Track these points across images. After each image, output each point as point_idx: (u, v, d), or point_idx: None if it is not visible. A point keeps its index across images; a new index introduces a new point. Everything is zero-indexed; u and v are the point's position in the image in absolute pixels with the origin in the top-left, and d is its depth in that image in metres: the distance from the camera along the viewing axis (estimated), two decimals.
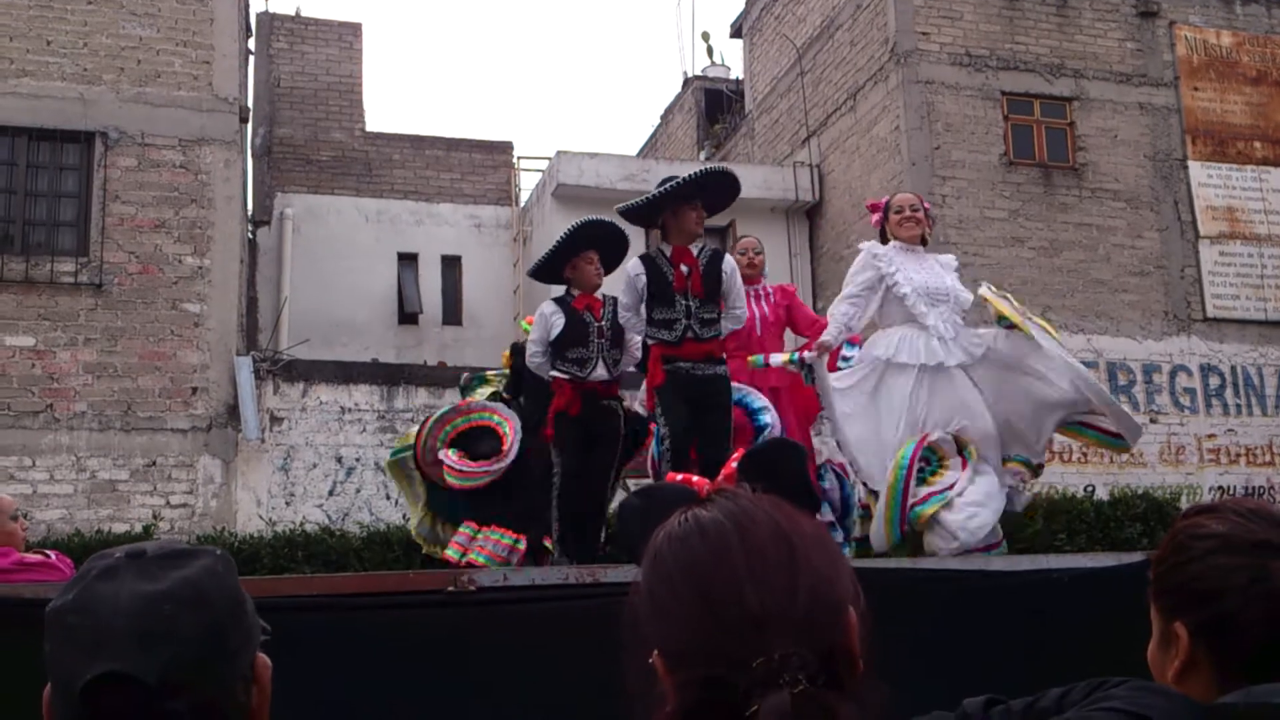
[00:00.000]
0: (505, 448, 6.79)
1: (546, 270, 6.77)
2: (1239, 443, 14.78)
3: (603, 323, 6.50)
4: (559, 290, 6.84)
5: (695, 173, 6.29)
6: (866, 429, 5.62)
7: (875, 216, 6.18)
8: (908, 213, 6.06)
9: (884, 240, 6.05)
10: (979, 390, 5.70)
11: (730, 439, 5.79)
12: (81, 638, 1.25)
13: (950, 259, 6.24)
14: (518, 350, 7.39)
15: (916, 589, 3.43)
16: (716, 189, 6.33)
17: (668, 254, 6.19)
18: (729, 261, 6.34)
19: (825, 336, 5.72)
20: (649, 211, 6.33)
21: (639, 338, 6.39)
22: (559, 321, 6.44)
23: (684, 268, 6.12)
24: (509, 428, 6.90)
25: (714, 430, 5.85)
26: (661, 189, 6.22)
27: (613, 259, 6.74)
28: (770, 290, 7.05)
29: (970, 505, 5.22)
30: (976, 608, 3.43)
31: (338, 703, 2.90)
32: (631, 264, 6.26)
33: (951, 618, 3.36)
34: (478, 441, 6.96)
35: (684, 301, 6.08)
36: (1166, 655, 1.46)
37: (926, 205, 6.29)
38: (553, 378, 6.43)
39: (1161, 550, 1.51)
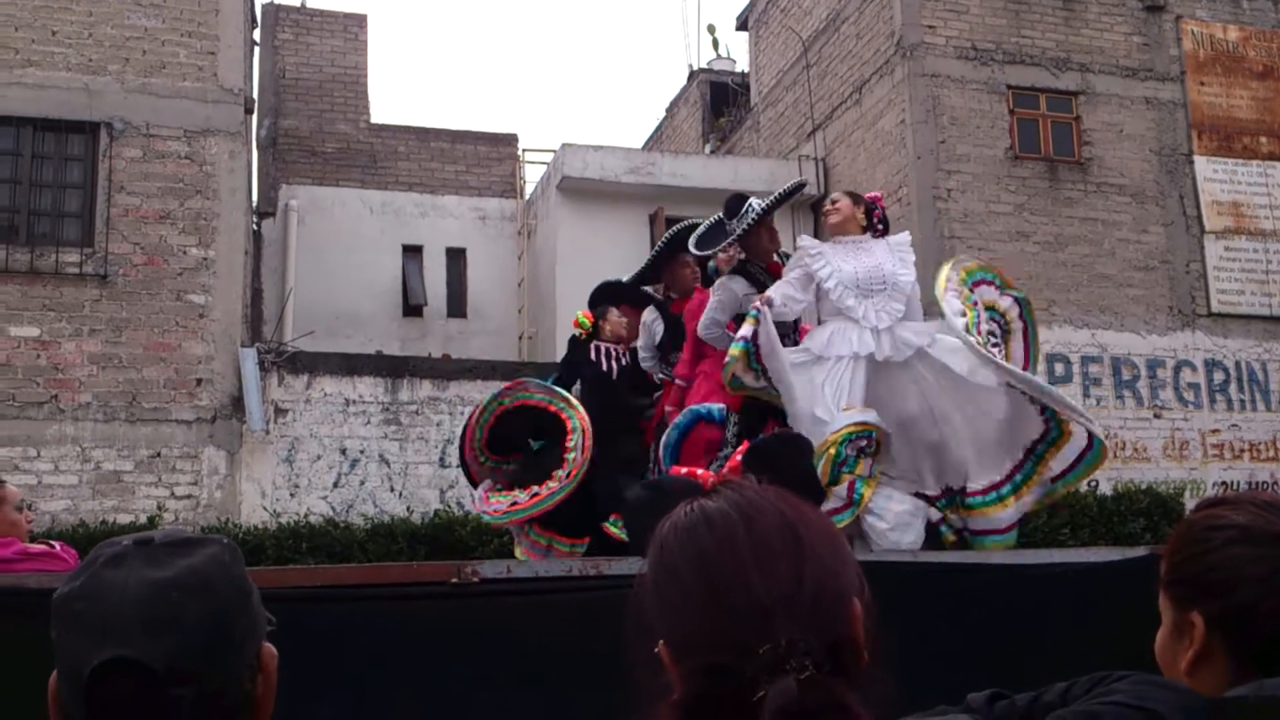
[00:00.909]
0: (571, 444, 6.20)
1: (649, 275, 6.86)
2: (1243, 438, 14.77)
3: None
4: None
5: (770, 202, 6.35)
6: (806, 405, 5.38)
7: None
8: (827, 206, 6.01)
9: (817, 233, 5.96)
10: (922, 395, 5.39)
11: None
12: (88, 624, 1.26)
13: (903, 237, 5.93)
14: (575, 345, 7.30)
15: (919, 582, 3.44)
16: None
17: (763, 267, 6.32)
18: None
19: (769, 293, 5.57)
20: (719, 238, 6.44)
21: None
22: (659, 328, 6.53)
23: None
24: (579, 420, 6.25)
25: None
26: (756, 216, 6.26)
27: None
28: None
29: (898, 522, 5.06)
30: (980, 601, 3.43)
31: (343, 693, 2.91)
32: (735, 281, 6.28)
33: (955, 611, 3.36)
34: (512, 425, 6.47)
35: None
36: (1179, 645, 1.46)
37: (875, 196, 6.06)
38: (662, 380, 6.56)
39: (1176, 541, 1.51)
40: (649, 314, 6.60)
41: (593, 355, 7.03)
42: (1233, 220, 15.46)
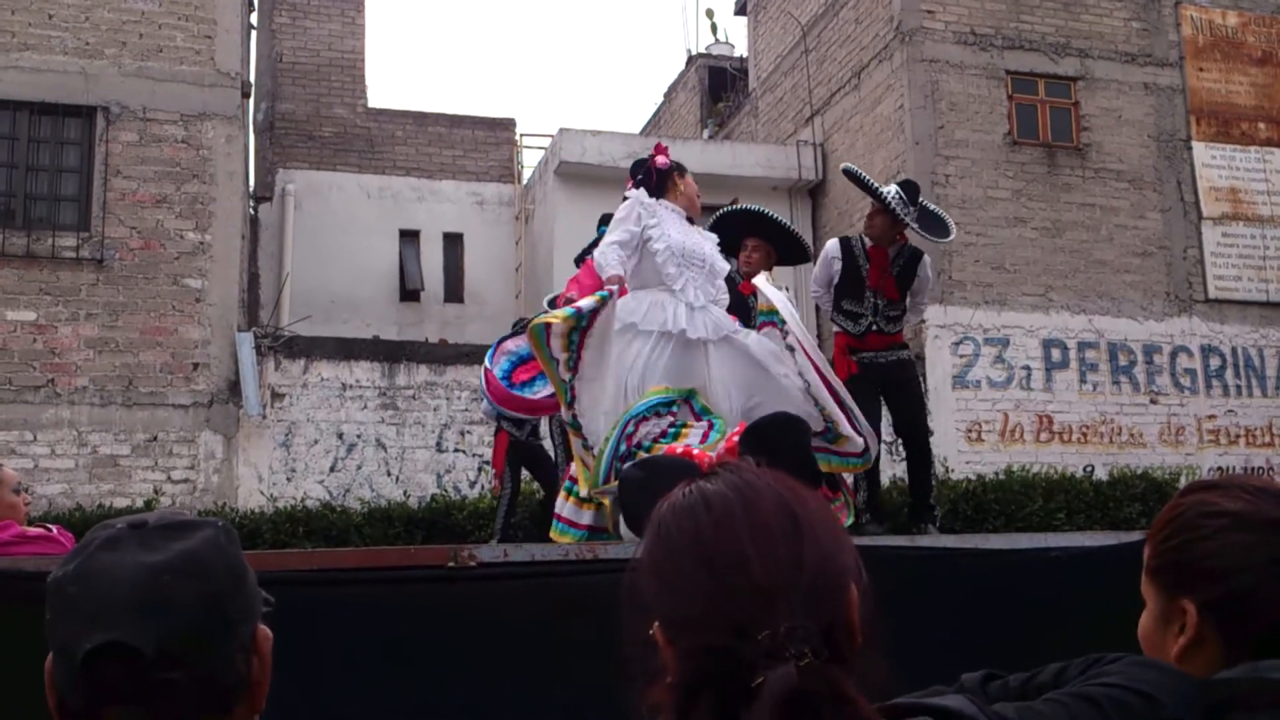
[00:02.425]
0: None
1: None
2: (1239, 424, 14.79)
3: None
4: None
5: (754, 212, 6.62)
6: (595, 390, 5.28)
7: (661, 159, 5.76)
8: (690, 182, 5.86)
9: (650, 194, 5.64)
10: (720, 373, 5.35)
11: (924, 411, 6.03)
12: (82, 608, 1.26)
13: (712, 235, 5.90)
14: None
15: (914, 566, 3.44)
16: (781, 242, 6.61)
17: (865, 247, 6.48)
18: (926, 263, 6.69)
19: (610, 270, 5.33)
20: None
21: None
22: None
23: (880, 268, 6.46)
24: None
25: (909, 405, 6.43)
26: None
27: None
28: None
29: None
30: (975, 585, 3.44)
31: (339, 676, 2.91)
32: (830, 244, 6.52)
33: (949, 595, 3.37)
34: None
35: (873, 299, 6.38)
36: (1166, 632, 1.46)
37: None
38: None
39: (1163, 526, 1.50)
40: (831, 247, 6.60)
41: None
42: (1230, 206, 15.46)
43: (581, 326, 5.20)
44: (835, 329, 6.47)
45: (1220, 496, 1.47)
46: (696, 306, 5.36)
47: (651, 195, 5.61)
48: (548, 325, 5.16)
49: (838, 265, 6.40)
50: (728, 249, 6.45)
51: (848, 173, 6.79)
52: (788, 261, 7.00)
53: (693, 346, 5.31)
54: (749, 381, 5.34)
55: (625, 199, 5.62)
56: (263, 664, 1.35)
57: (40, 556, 3.85)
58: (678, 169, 5.74)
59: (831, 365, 5.95)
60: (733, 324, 5.49)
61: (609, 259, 5.34)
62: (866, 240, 6.55)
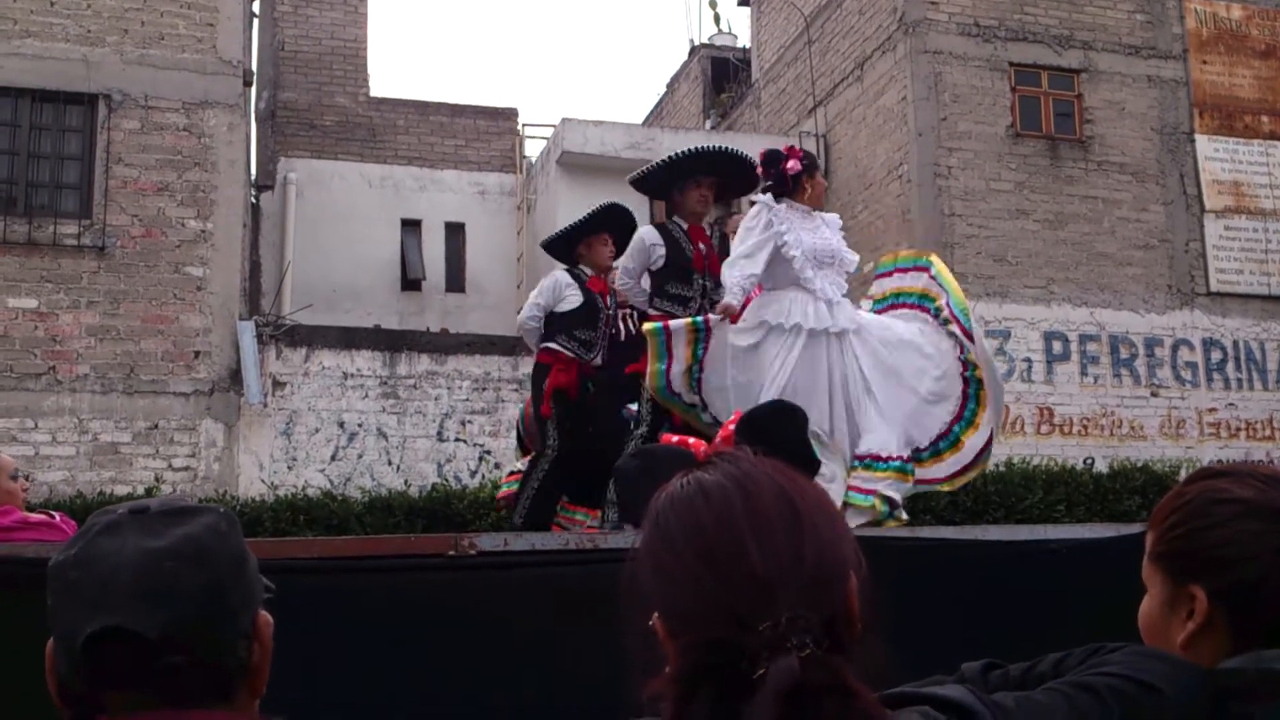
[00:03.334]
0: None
1: (562, 244, 6.78)
2: (1239, 417, 14.79)
3: (610, 310, 6.58)
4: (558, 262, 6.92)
5: (700, 148, 6.23)
6: (733, 377, 5.44)
7: (792, 163, 5.70)
8: (820, 179, 5.89)
9: (779, 195, 5.68)
10: (858, 363, 5.53)
11: None
12: (83, 593, 1.26)
13: (835, 217, 5.95)
14: None
15: (914, 557, 3.45)
16: (733, 174, 6.25)
17: (685, 229, 6.18)
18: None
19: (728, 298, 5.43)
20: (656, 182, 6.31)
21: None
22: (574, 296, 6.46)
23: (701, 246, 6.14)
24: None
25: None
26: (666, 159, 6.22)
27: (622, 245, 6.74)
28: None
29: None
30: (975, 577, 3.44)
31: (340, 663, 2.92)
32: (646, 230, 6.23)
33: (949, 586, 3.38)
34: None
35: (700, 281, 6.10)
36: (1172, 618, 1.46)
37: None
38: (550, 350, 6.44)
39: (1171, 513, 1.50)
40: (649, 233, 6.22)
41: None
42: (1233, 199, 15.44)
43: (696, 374, 5.38)
44: (654, 313, 6.13)
45: (1230, 484, 1.47)
46: (835, 302, 5.53)
47: (780, 195, 5.68)
48: (666, 328, 5.37)
49: (660, 251, 6.10)
50: (667, 192, 6.40)
51: (633, 183, 6.49)
52: (738, 194, 6.81)
53: (831, 340, 5.48)
54: (893, 366, 5.53)
55: (753, 203, 5.67)
56: (264, 650, 1.36)
57: (42, 543, 3.86)
58: (808, 169, 5.77)
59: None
60: (863, 315, 5.69)
61: (733, 288, 5.44)
62: (681, 223, 6.20)
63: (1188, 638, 1.43)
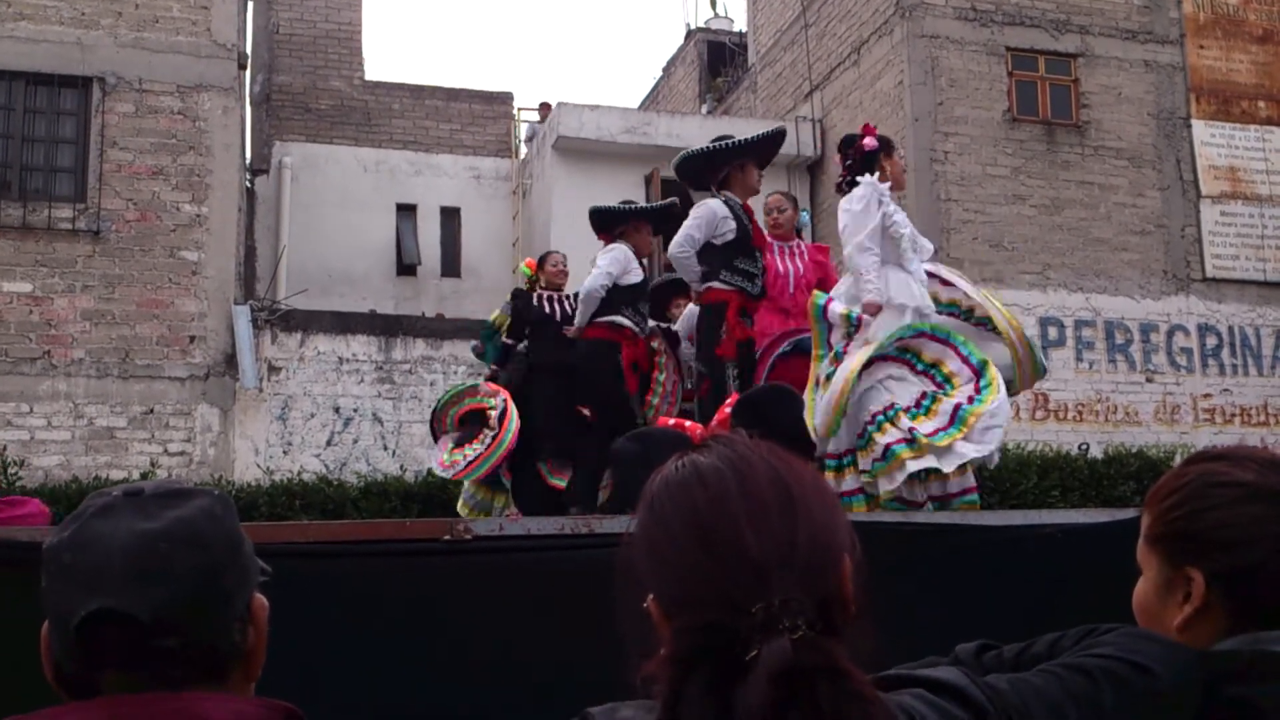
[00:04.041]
0: (497, 426, 7.06)
1: (702, 163, 6.52)
2: (1234, 403, 14.81)
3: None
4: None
5: (768, 132, 6.51)
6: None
7: (869, 140, 5.69)
8: (897, 159, 5.84)
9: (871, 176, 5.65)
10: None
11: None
12: (77, 575, 1.26)
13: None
14: (518, 295, 7.74)
15: (908, 541, 3.45)
16: (766, 151, 6.52)
17: (741, 205, 6.30)
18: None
19: (870, 296, 5.31)
20: (714, 162, 6.37)
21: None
22: (731, 226, 6.27)
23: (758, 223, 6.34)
24: (498, 401, 7.17)
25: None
26: (735, 141, 6.39)
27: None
28: (805, 248, 6.92)
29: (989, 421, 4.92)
30: (969, 561, 3.45)
31: (335, 647, 2.92)
32: (715, 203, 6.23)
33: (944, 570, 3.38)
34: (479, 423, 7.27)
35: (760, 257, 6.25)
36: (1168, 600, 1.46)
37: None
38: (717, 288, 6.29)
39: (1169, 495, 1.50)
40: (720, 206, 6.30)
41: (537, 302, 7.51)
42: (1229, 185, 15.44)
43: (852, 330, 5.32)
44: (725, 287, 6.20)
45: (1230, 467, 1.47)
46: (924, 283, 5.51)
47: (844, 178, 5.68)
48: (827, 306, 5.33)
49: (731, 225, 6.18)
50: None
51: (689, 158, 6.57)
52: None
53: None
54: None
55: (856, 183, 5.58)
56: (258, 633, 1.36)
57: (35, 528, 3.85)
58: (885, 148, 5.71)
59: (715, 331, 6.08)
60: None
61: (871, 276, 5.33)
62: (736, 201, 6.33)
63: (1184, 620, 1.43)
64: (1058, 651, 1.40)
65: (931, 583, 3.26)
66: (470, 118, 18.72)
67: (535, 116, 18.74)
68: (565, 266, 7.87)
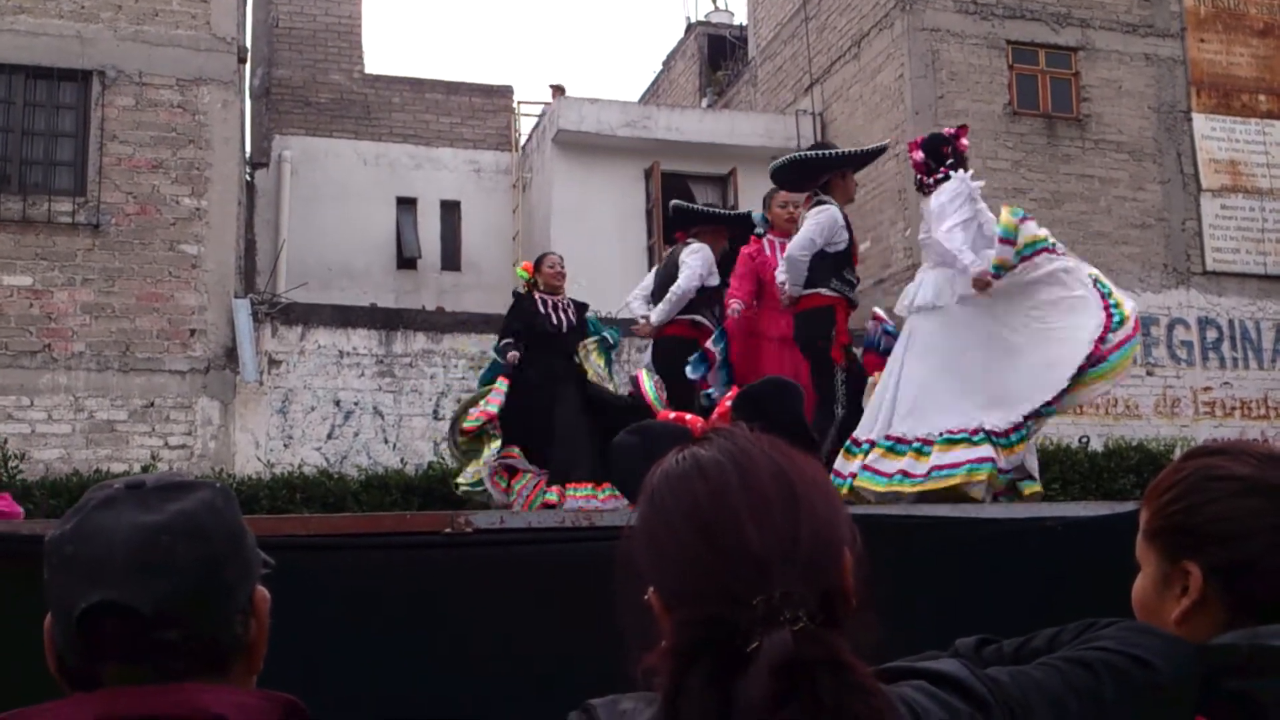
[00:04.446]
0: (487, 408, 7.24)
1: (814, 168, 6.66)
2: (1234, 396, 14.81)
3: None
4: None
5: (873, 147, 6.91)
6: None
7: (961, 137, 5.98)
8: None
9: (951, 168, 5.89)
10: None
11: None
12: (79, 567, 1.26)
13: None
14: (519, 297, 7.72)
15: (910, 535, 3.46)
16: (867, 162, 6.89)
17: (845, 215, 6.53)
18: None
19: (980, 266, 5.49)
20: (819, 168, 6.53)
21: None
22: (844, 236, 6.45)
23: None
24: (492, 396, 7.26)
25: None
26: (841, 151, 6.65)
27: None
28: None
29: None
30: (970, 554, 3.45)
31: (337, 641, 2.93)
32: (834, 210, 6.42)
33: (945, 564, 3.39)
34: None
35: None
36: (1166, 595, 1.46)
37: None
38: (824, 294, 6.44)
39: (1167, 489, 1.50)
40: (838, 214, 6.50)
41: (537, 307, 7.44)
42: (1230, 178, 15.42)
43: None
44: (833, 294, 6.39)
45: (1227, 461, 1.47)
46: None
47: (947, 170, 5.84)
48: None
49: (844, 236, 6.38)
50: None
51: (785, 167, 6.76)
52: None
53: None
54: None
55: (944, 178, 5.80)
56: (260, 625, 1.36)
57: (37, 520, 3.86)
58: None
59: (825, 334, 6.14)
60: None
61: (966, 253, 5.53)
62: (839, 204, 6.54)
63: (1181, 614, 1.43)
64: (1057, 645, 1.40)
65: (932, 576, 3.26)
66: (470, 111, 18.70)
67: (537, 110, 18.73)
68: (563, 268, 7.72)
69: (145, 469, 10.50)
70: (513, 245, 17.75)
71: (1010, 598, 3.13)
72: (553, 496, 6.78)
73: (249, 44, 14.88)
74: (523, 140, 18.64)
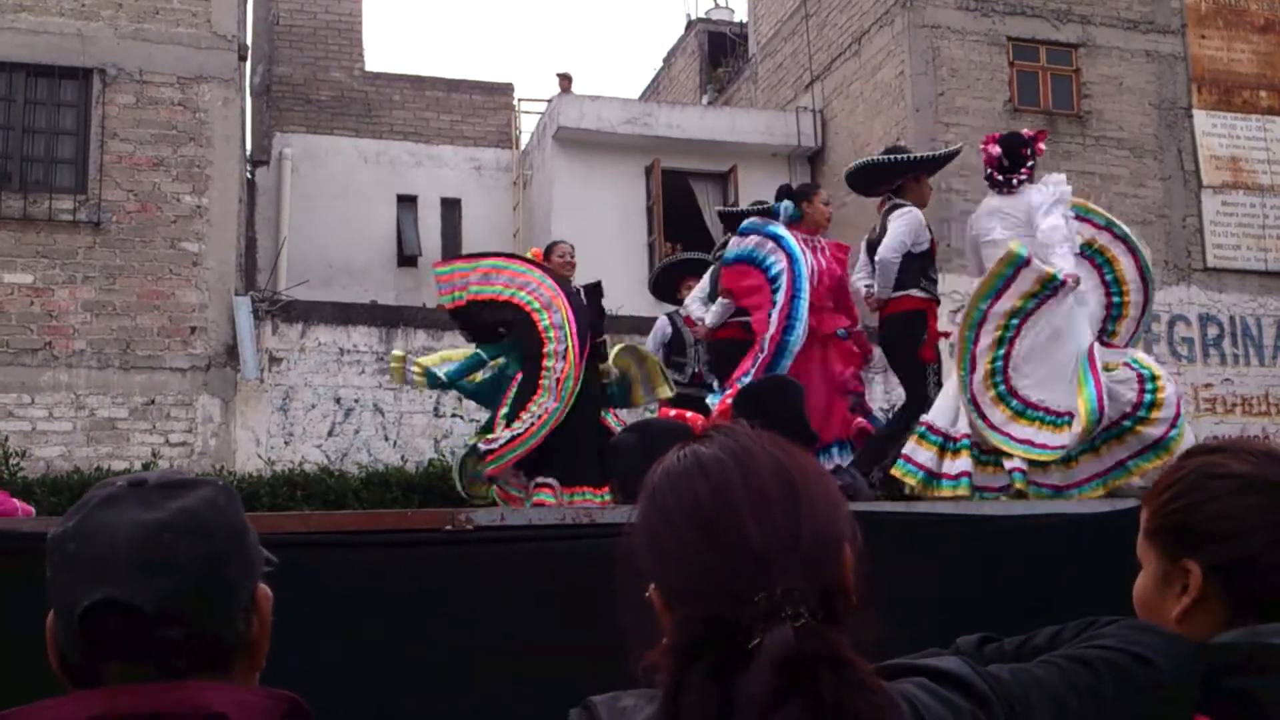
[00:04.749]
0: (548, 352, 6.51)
1: (898, 171, 6.75)
2: (1235, 393, 14.81)
3: None
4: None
5: (947, 151, 6.99)
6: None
7: (1040, 141, 6.09)
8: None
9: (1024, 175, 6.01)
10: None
11: None
12: (81, 565, 1.26)
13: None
14: None
15: (909, 532, 3.46)
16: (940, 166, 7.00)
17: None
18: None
19: (1071, 267, 5.64)
20: (893, 172, 6.64)
21: None
22: (926, 237, 6.53)
23: None
24: (556, 365, 6.53)
25: None
26: (915, 155, 6.78)
27: None
28: (826, 244, 7.02)
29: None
30: (970, 551, 3.45)
31: (337, 638, 2.93)
32: (919, 213, 6.53)
33: (944, 561, 3.39)
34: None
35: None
36: (1166, 593, 1.46)
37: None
38: (916, 296, 6.48)
39: (1166, 488, 1.50)
40: (921, 217, 6.59)
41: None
42: (1230, 175, 15.42)
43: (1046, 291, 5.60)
44: (924, 296, 6.48)
45: (1226, 459, 1.47)
46: None
47: (1019, 170, 5.97)
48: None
49: (926, 235, 6.49)
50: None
51: (858, 171, 6.90)
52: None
53: None
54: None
55: (1022, 179, 5.94)
56: (262, 623, 1.36)
57: (39, 518, 3.86)
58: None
59: (916, 336, 6.37)
60: None
61: (1070, 257, 5.66)
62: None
63: (1182, 612, 1.43)
64: (1059, 643, 1.40)
65: (932, 573, 3.26)
66: (471, 108, 18.70)
67: (537, 107, 18.73)
68: (573, 257, 7.42)
69: (146, 466, 10.51)
70: (513, 243, 17.74)
71: (1010, 595, 3.13)
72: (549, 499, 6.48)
73: (249, 41, 14.87)
74: (523, 137, 18.64)
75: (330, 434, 12.09)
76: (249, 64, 14.80)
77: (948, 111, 14.53)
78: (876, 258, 6.49)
